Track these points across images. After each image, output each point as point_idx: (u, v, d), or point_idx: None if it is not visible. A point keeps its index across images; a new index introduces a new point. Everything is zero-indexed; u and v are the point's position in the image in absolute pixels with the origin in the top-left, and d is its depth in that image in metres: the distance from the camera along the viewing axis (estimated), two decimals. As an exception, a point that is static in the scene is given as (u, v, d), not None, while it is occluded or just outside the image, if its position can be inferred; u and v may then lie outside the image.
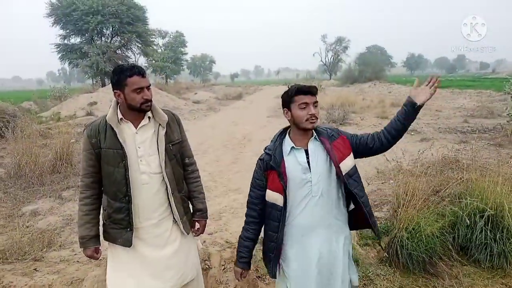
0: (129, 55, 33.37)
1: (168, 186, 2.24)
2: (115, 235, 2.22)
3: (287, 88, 2.15)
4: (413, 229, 3.12)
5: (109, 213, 2.23)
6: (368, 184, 5.29)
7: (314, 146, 2.12)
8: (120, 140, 2.13)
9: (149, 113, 2.23)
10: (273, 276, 2.24)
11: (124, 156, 2.13)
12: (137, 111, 2.16)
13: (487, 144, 7.44)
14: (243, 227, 2.26)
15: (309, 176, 2.07)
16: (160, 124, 2.25)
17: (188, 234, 2.38)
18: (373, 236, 3.44)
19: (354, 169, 2.11)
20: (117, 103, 2.18)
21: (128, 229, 2.20)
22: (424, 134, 9.08)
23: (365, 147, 2.11)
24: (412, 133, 9.27)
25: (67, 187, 5.83)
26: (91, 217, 2.23)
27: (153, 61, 42.17)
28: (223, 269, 3.00)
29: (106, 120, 2.15)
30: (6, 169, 6.69)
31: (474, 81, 42.80)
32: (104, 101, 16.78)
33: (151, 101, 2.16)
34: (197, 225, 2.48)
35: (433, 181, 4.08)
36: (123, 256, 2.25)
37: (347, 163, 2.08)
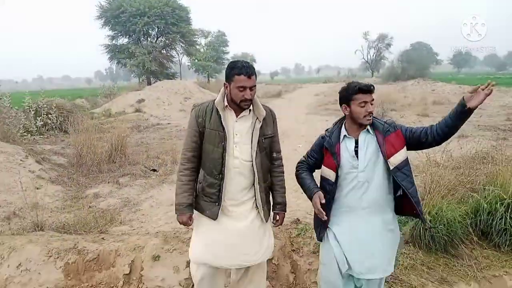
0: (173, 54, 34.50)
1: (256, 175, 2.44)
2: (204, 207, 2.47)
3: (345, 85, 2.38)
4: (436, 213, 3.40)
5: (203, 186, 2.47)
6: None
7: (366, 138, 2.33)
8: (224, 124, 2.37)
9: (251, 107, 2.44)
10: (320, 239, 2.52)
11: (224, 138, 2.37)
12: (236, 105, 2.38)
13: (525, 141, 7.44)
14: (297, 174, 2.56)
15: (356, 163, 2.30)
16: (257, 118, 2.45)
17: (266, 222, 2.55)
18: (400, 220, 3.74)
19: (405, 163, 2.28)
20: (225, 92, 2.42)
21: (217, 204, 2.43)
22: (463, 131, 9.11)
23: (417, 141, 2.28)
24: (451, 130, 9.31)
25: (123, 174, 6.46)
26: (189, 187, 2.47)
27: (196, 60, 43.25)
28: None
29: (213, 104, 2.42)
30: (68, 158, 7.44)
31: (525, 78, 40.85)
32: (151, 98, 17.67)
33: (250, 100, 2.36)
34: (277, 217, 2.64)
35: (461, 173, 4.31)
36: (207, 226, 2.49)
37: (398, 157, 2.26)
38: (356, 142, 2.34)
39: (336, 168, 2.33)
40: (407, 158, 2.29)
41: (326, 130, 2.47)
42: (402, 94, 23.33)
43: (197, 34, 37.71)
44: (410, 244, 3.46)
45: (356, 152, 2.32)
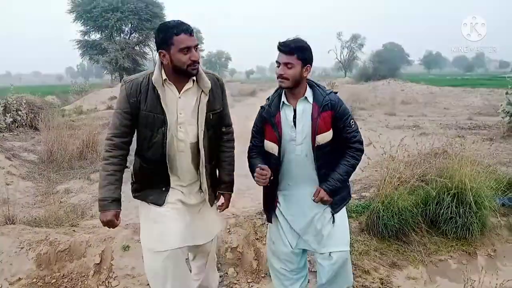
0: (146, 51, 34.23)
1: (202, 157, 2.16)
2: (147, 194, 2.23)
3: None
4: (388, 203, 3.68)
5: (142, 174, 2.22)
6: (362, 171, 5.84)
7: (304, 108, 2.23)
8: (163, 104, 2.02)
9: (195, 77, 2.09)
10: (270, 220, 2.49)
11: (164, 123, 2.03)
12: (183, 74, 2.02)
13: (481, 139, 7.90)
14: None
15: (294, 135, 2.23)
16: (203, 91, 2.11)
17: (211, 205, 2.38)
18: (356, 210, 4.01)
19: (328, 144, 2.22)
20: (161, 63, 2.04)
21: (164, 189, 2.19)
22: (425, 129, 9.56)
23: (340, 142, 2.26)
24: (414, 128, 9.76)
25: (94, 170, 6.51)
26: (116, 177, 2.12)
27: (170, 57, 43.00)
28: (228, 231, 3.61)
29: (149, 80, 2.03)
30: (38, 155, 7.43)
31: (490, 79, 42.54)
32: (124, 95, 17.62)
33: (198, 63, 2.02)
34: (222, 199, 2.46)
35: (415, 166, 4.62)
36: (153, 211, 2.23)
37: (325, 136, 2.21)
38: (295, 112, 2.24)
39: (277, 140, 2.24)
40: (332, 140, 2.24)
41: (267, 99, 2.37)
42: (373, 93, 23.96)
43: (171, 31, 37.46)
44: (365, 232, 3.73)
45: (295, 122, 2.24)
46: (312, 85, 2.30)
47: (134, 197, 2.37)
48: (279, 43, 2.18)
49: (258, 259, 3.43)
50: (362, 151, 2.32)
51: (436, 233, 3.79)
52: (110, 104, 16.33)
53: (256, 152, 2.39)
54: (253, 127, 2.40)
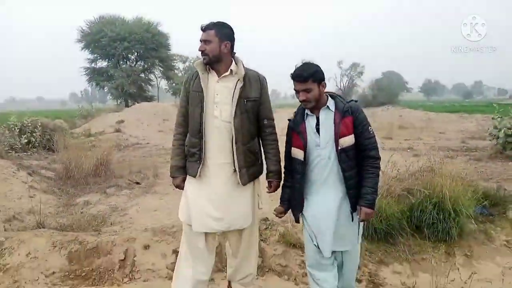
0: (151, 78, 35.20)
1: (234, 136, 2.48)
2: (188, 166, 2.62)
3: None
4: (378, 210, 4.16)
5: (188, 147, 2.59)
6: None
7: (326, 115, 2.46)
8: (202, 84, 2.46)
9: (233, 67, 2.50)
10: (297, 221, 2.70)
11: (202, 98, 2.46)
12: (216, 65, 2.50)
13: (469, 159, 8.43)
14: (283, 179, 2.73)
15: (318, 140, 2.45)
16: (239, 79, 2.50)
17: (244, 185, 2.58)
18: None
19: (351, 147, 2.42)
20: None
21: (198, 161, 2.54)
22: (418, 151, 10.08)
23: (359, 148, 2.44)
24: (408, 150, 10.29)
25: (109, 186, 7.03)
26: (180, 150, 2.61)
27: (174, 84, 44.03)
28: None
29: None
30: (55, 172, 7.95)
31: (487, 106, 43.28)
32: (131, 119, 18.26)
33: (204, 52, 2.45)
34: (271, 185, 2.72)
35: (404, 180, 5.13)
36: (191, 188, 2.64)
37: (347, 140, 2.40)
38: (318, 120, 2.47)
39: (303, 146, 2.48)
40: (355, 144, 2.43)
41: (294, 112, 2.63)
42: (371, 119, 24.34)
43: (175, 59, 38.58)
44: (357, 235, 4.21)
45: (318, 129, 2.46)
46: (334, 96, 2.55)
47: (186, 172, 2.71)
48: (292, 74, 2.43)
49: (262, 257, 3.90)
50: (379, 158, 2.51)
51: (419, 237, 4.25)
52: (117, 127, 16.92)
53: (286, 161, 2.69)
54: (286, 143, 2.68)
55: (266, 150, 2.73)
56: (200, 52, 2.51)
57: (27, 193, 6.15)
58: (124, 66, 32.09)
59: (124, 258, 3.87)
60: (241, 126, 2.50)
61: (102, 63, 32.57)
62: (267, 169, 2.73)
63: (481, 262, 4.07)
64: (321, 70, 2.47)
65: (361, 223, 2.61)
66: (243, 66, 2.56)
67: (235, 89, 2.48)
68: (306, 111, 2.51)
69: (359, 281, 3.61)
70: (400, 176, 5.23)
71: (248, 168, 2.60)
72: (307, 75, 2.37)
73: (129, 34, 30.15)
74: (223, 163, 2.56)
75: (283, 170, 2.80)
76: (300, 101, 2.45)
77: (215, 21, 2.51)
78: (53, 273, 3.73)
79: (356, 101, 2.55)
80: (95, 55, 31.67)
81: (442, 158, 6.61)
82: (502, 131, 8.64)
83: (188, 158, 2.65)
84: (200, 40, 2.46)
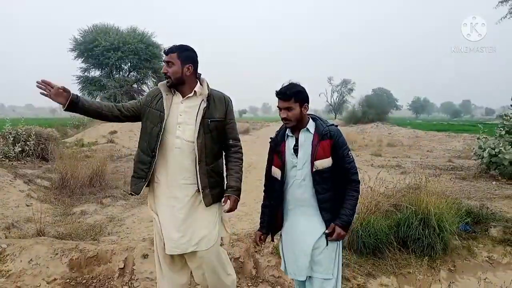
0: (144, 89, 35.30)
1: (196, 156, 2.48)
2: (132, 183, 2.63)
3: None
4: (366, 225, 4.38)
5: (136, 163, 2.62)
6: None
7: (305, 137, 2.47)
8: (165, 105, 2.49)
9: (197, 88, 2.54)
10: (272, 239, 2.79)
11: (163, 119, 2.48)
12: (181, 87, 2.54)
13: (454, 178, 8.73)
14: (263, 198, 2.72)
15: (296, 161, 2.47)
16: (203, 100, 2.54)
17: (207, 206, 2.57)
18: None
19: (327, 170, 2.41)
20: None
21: (144, 180, 2.55)
22: (406, 168, 10.37)
23: (340, 172, 2.44)
24: (396, 168, 10.58)
25: (105, 196, 7.16)
26: (97, 101, 2.65)
27: (166, 95, 44.16)
28: (231, 245, 4.27)
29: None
30: (51, 182, 8.05)
31: (474, 126, 44.18)
32: (123, 130, 18.35)
33: (167, 75, 2.49)
34: (228, 200, 2.63)
35: (391, 197, 5.36)
36: (157, 205, 2.66)
37: (323, 163, 2.40)
38: (297, 141, 2.50)
39: (281, 166, 2.51)
40: (331, 167, 2.43)
41: (276, 131, 2.66)
42: (361, 135, 25.02)
43: (168, 70, 38.68)
44: (346, 248, 4.41)
45: (296, 150, 2.48)
46: (315, 119, 2.56)
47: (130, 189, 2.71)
48: (276, 92, 2.46)
49: (256, 268, 4.08)
50: (359, 182, 2.53)
51: (406, 251, 4.47)
52: (110, 138, 17.01)
53: (267, 180, 2.69)
54: (267, 161, 2.68)
55: (229, 167, 2.72)
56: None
57: (24, 202, 6.28)
58: (117, 76, 32.18)
59: (124, 266, 4.01)
60: (205, 146, 2.52)
61: (95, 72, 32.63)
62: (227, 184, 2.70)
63: (463, 276, 4.29)
64: (305, 92, 2.49)
65: (339, 254, 2.58)
66: (208, 87, 2.60)
67: (198, 109, 2.51)
68: (287, 131, 2.55)
69: (348, 292, 3.81)
70: (388, 192, 5.47)
71: (212, 188, 2.60)
72: (290, 94, 2.41)
73: (123, 44, 30.27)
74: (185, 184, 2.56)
75: (262, 189, 2.78)
76: (281, 119, 2.48)
77: (177, 44, 2.54)
78: (55, 279, 3.86)
79: (336, 126, 2.54)
80: (88, 64, 31.72)
81: (428, 176, 6.89)
82: (487, 151, 8.96)
83: (134, 174, 2.66)
84: (163, 62, 2.52)
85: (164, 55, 2.54)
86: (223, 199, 2.70)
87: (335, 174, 2.44)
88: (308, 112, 2.56)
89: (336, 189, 2.46)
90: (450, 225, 4.49)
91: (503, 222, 5.22)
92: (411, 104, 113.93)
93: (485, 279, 4.26)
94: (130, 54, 30.67)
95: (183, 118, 2.51)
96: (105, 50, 30.02)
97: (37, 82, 2.36)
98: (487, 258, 4.68)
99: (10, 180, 7.06)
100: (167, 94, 2.55)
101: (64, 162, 8.05)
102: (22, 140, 11.22)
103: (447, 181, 7.74)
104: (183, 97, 2.55)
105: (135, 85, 33.27)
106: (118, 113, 2.59)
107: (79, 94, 2.51)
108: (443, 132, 28.95)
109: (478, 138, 9.60)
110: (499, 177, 8.72)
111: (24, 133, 11.40)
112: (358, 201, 2.73)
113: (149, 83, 35.16)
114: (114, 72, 32.35)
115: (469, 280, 4.30)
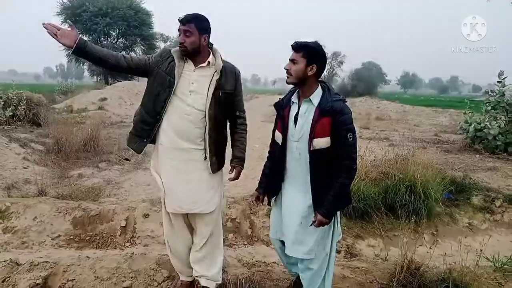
0: (132, 56, 34.74)
1: (207, 125, 2.49)
2: (131, 140, 2.64)
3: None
4: (356, 191, 4.61)
5: (137, 121, 2.60)
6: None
7: (307, 109, 2.29)
8: (176, 72, 2.46)
9: (211, 59, 2.51)
10: (269, 203, 2.72)
11: (172, 85, 2.45)
12: (193, 55, 2.48)
13: (440, 150, 9.04)
14: (266, 158, 2.67)
15: (293, 132, 2.32)
16: (216, 71, 2.51)
17: (213, 173, 2.60)
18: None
19: (325, 151, 2.24)
20: None
21: (145, 140, 2.57)
22: (394, 141, 10.65)
23: (334, 148, 2.24)
24: (384, 140, 10.85)
25: (101, 160, 7.27)
26: (104, 48, 2.52)
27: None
28: (228, 207, 4.48)
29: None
30: (45, 146, 8.11)
31: (460, 101, 44.76)
32: (114, 97, 18.23)
33: (183, 45, 2.42)
34: (234, 170, 2.72)
35: (380, 166, 5.60)
36: (163, 165, 2.63)
37: (320, 142, 2.22)
38: (299, 109, 2.34)
39: (283, 131, 2.39)
40: (330, 148, 2.26)
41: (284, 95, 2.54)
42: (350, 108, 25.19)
43: (157, 38, 38.12)
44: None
45: (296, 119, 2.34)
46: (324, 88, 2.35)
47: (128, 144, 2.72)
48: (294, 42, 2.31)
49: (252, 228, 4.31)
50: (353, 169, 2.31)
51: (393, 216, 4.74)
52: (100, 105, 16.92)
53: (270, 154, 2.66)
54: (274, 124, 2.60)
55: (235, 138, 2.76)
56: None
57: (21, 164, 6.37)
58: (105, 42, 31.52)
59: (125, 225, 4.21)
60: (215, 116, 2.52)
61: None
62: (232, 155, 2.76)
63: (445, 240, 4.59)
64: (319, 53, 2.30)
65: (335, 239, 2.55)
66: (221, 59, 2.57)
67: (211, 80, 2.50)
68: (293, 97, 2.40)
69: (338, 251, 4.06)
70: (377, 162, 5.70)
71: (217, 157, 2.64)
72: (301, 46, 2.26)
73: (112, 9, 29.58)
74: (191, 149, 2.57)
75: (266, 154, 2.75)
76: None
77: (192, 13, 2.47)
78: (59, 236, 4.04)
79: (344, 101, 2.32)
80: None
81: (415, 148, 7.14)
82: (472, 126, 9.25)
83: (133, 132, 2.67)
84: (179, 31, 2.43)
85: (180, 23, 2.43)
86: (229, 169, 2.76)
87: (333, 155, 2.26)
88: (320, 80, 2.39)
89: (332, 172, 2.29)
90: (435, 192, 4.76)
91: (484, 192, 5.52)
92: (399, 79, 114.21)
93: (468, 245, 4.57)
94: (118, 20, 30.04)
95: (195, 87, 2.50)
96: (93, 15, 29.34)
97: (43, 23, 2.32)
98: (467, 224, 5.00)
99: (6, 143, 7.12)
100: (179, 61, 2.51)
101: (58, 127, 8.10)
102: (13, 105, 11.15)
103: (433, 153, 8.01)
104: (195, 66, 2.53)
105: (123, 52, 32.70)
106: (125, 65, 2.53)
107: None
108: (431, 107, 29.28)
109: (464, 113, 9.88)
110: (483, 151, 9.05)
111: (15, 97, 11.31)
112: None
113: (137, 51, 34.64)
114: (102, 38, 31.68)
115: (450, 244, 4.60)
